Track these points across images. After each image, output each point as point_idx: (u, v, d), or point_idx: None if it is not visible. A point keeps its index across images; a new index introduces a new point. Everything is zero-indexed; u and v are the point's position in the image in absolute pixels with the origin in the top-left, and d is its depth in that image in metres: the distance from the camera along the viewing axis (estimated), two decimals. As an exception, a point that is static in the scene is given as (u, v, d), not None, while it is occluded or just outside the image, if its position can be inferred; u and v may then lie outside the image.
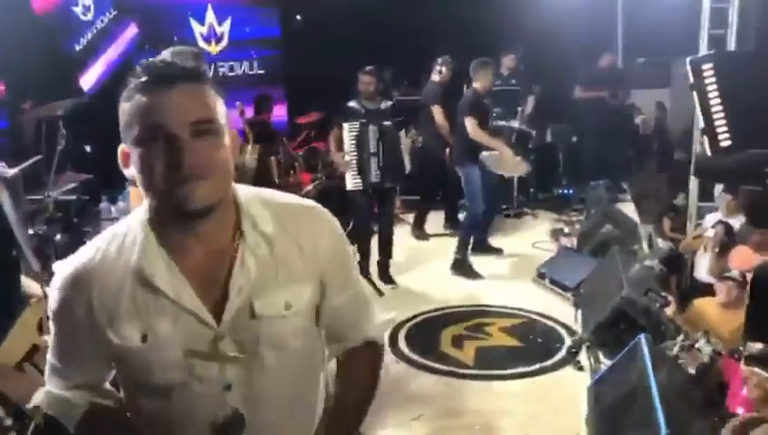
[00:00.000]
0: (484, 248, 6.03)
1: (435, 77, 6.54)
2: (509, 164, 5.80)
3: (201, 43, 7.41)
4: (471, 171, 5.61)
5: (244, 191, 1.31)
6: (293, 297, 1.28)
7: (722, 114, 3.23)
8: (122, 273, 1.23)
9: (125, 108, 1.18)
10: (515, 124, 7.33)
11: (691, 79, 3.24)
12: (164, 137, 1.14)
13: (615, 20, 9.56)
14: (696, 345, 3.27)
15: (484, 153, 5.65)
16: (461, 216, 6.48)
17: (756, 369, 2.71)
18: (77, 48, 6.04)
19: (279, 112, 7.95)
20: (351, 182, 5.20)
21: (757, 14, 8.44)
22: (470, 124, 5.52)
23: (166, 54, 1.25)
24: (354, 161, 5.17)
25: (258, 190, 1.34)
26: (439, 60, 6.56)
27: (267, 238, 1.27)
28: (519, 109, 7.76)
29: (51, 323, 1.33)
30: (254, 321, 1.25)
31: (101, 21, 6.24)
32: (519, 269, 5.70)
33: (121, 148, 1.22)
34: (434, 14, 8.46)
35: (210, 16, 7.76)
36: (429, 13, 8.43)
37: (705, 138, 3.32)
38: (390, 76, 8.15)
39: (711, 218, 6.58)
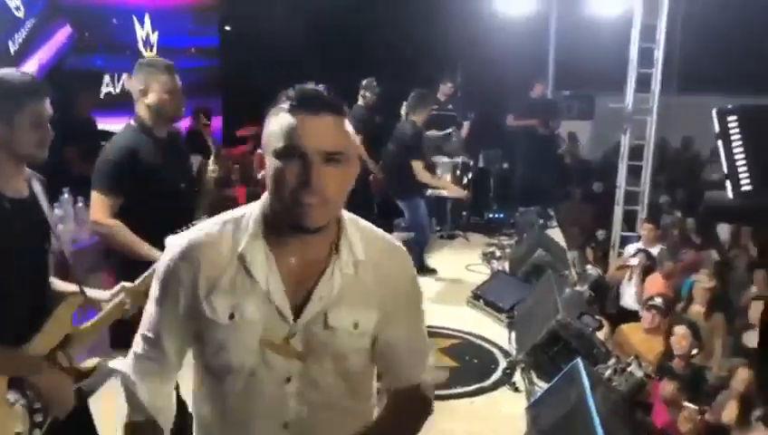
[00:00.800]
0: (420, 269, 6.11)
1: (360, 101, 6.59)
2: (447, 189, 5.97)
3: (141, 48, 7.23)
4: (417, 202, 5.74)
5: (347, 214, 1.47)
6: (363, 319, 1.44)
7: (743, 161, 3.48)
8: (229, 254, 1.40)
9: (272, 121, 1.35)
10: (458, 159, 7.49)
11: (717, 128, 3.49)
12: (300, 157, 1.30)
13: (547, 53, 9.96)
14: (629, 369, 3.41)
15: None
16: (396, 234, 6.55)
17: (689, 405, 2.87)
18: (11, 45, 5.77)
19: (215, 124, 7.84)
20: None
21: (680, 57, 9.00)
22: (417, 168, 5.66)
23: (311, 85, 1.40)
24: None
25: (356, 217, 1.50)
26: (363, 83, 6.61)
27: (356, 261, 1.43)
28: (450, 131, 7.91)
29: (154, 291, 1.47)
30: (325, 330, 1.41)
31: (34, 19, 5.99)
32: (454, 291, 5.80)
33: (258, 152, 1.41)
34: (375, 37, 8.57)
35: (147, 22, 7.59)
36: (370, 37, 8.53)
37: (728, 182, 3.56)
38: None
39: (632, 249, 6.92)
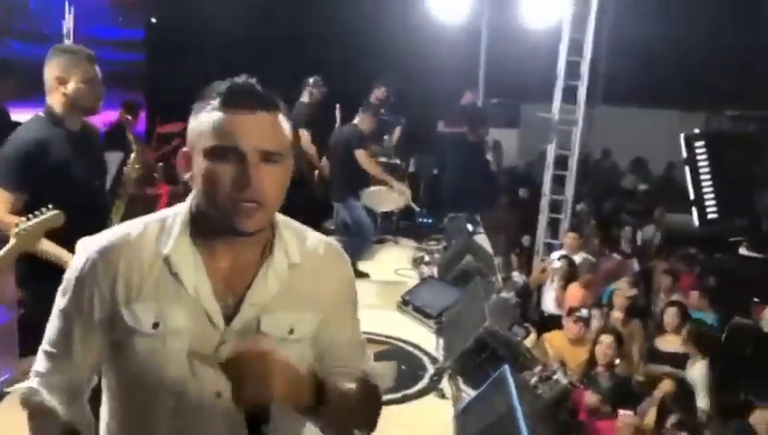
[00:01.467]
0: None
1: (304, 98, 6.54)
2: (392, 198, 5.97)
3: (65, 40, 6.89)
4: (354, 204, 5.70)
5: (279, 215, 1.38)
6: (298, 324, 1.36)
7: (710, 188, 3.51)
8: (152, 257, 1.30)
9: (201, 118, 1.25)
10: (396, 161, 7.50)
11: (684, 153, 3.50)
12: (235, 158, 1.22)
13: (478, 61, 10.13)
14: (554, 377, 3.47)
15: (366, 190, 5.77)
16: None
17: (626, 412, 2.94)
18: None
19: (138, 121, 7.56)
20: None
21: (605, 70, 9.31)
22: (361, 157, 5.63)
23: (243, 79, 1.28)
24: None
25: (287, 219, 1.42)
26: (311, 81, 6.59)
27: (291, 264, 1.36)
28: (385, 138, 7.95)
29: (61, 297, 1.34)
30: (258, 336, 1.31)
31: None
32: (383, 295, 5.77)
33: (184, 151, 1.30)
34: (310, 35, 8.49)
35: (68, 13, 7.24)
36: (304, 35, 8.45)
37: (694, 209, 3.58)
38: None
39: (555, 255, 7.11)
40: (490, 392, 3.40)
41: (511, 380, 3.28)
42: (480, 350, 4.14)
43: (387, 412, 3.92)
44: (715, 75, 11.03)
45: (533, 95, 10.04)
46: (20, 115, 5.47)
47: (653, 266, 7.52)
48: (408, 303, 5.39)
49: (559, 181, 7.99)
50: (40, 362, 1.38)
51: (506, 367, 3.42)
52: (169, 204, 5.76)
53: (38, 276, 2.49)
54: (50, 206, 2.57)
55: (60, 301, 1.35)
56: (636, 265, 7.60)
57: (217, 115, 1.23)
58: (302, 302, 1.37)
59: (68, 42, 6.91)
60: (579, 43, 7.31)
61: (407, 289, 5.61)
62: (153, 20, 8.84)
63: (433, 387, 4.17)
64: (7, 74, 5.35)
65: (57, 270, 2.51)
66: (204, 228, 1.30)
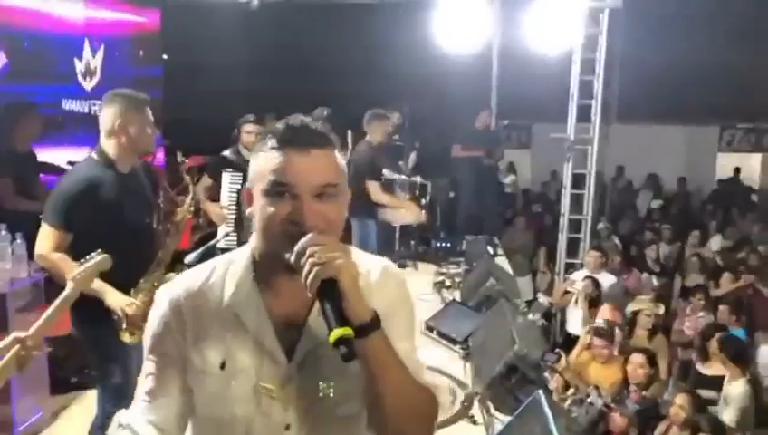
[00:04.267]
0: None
1: None
2: (402, 214, 5.95)
3: (79, 79, 7.00)
4: (367, 223, 5.68)
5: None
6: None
7: None
8: (218, 301, 1.36)
9: (259, 158, 1.32)
10: (417, 179, 7.47)
11: None
12: (290, 196, 1.28)
13: (490, 84, 10.18)
14: (589, 399, 3.43)
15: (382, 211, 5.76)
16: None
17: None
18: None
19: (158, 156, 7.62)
20: (224, 239, 4.86)
21: (618, 90, 9.34)
22: (373, 189, 5.61)
23: (299, 118, 1.33)
24: (232, 216, 5.00)
25: (344, 246, 1.39)
26: (316, 113, 6.59)
27: None
28: (401, 164, 7.97)
29: (147, 352, 1.41)
30: (320, 365, 1.36)
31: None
32: (406, 321, 5.74)
33: (247, 188, 1.37)
34: (321, 65, 8.58)
35: (87, 50, 7.36)
36: (318, 67, 8.54)
37: None
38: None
39: (578, 276, 7.07)
40: (525, 417, 3.37)
41: (545, 404, 3.24)
42: (510, 374, 4.11)
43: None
44: (728, 89, 11.04)
45: (545, 115, 10.07)
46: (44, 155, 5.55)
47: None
48: (432, 329, 5.36)
49: (575, 200, 7.99)
50: (141, 405, 1.41)
51: (540, 392, 3.39)
52: (191, 236, 5.77)
53: (83, 307, 2.55)
54: (99, 251, 2.63)
55: (146, 347, 1.42)
56: (654, 282, 7.56)
57: (273, 154, 1.29)
58: None
59: (88, 83, 7.05)
60: (591, 62, 7.33)
61: (430, 314, 5.58)
62: (165, 56, 8.96)
63: (464, 413, 4.13)
64: (30, 113, 5.43)
65: (101, 306, 2.57)
66: (265, 267, 1.36)
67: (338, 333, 1.20)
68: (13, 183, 4.96)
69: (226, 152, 5.07)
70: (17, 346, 2.25)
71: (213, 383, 1.35)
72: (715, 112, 12.10)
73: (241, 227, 4.93)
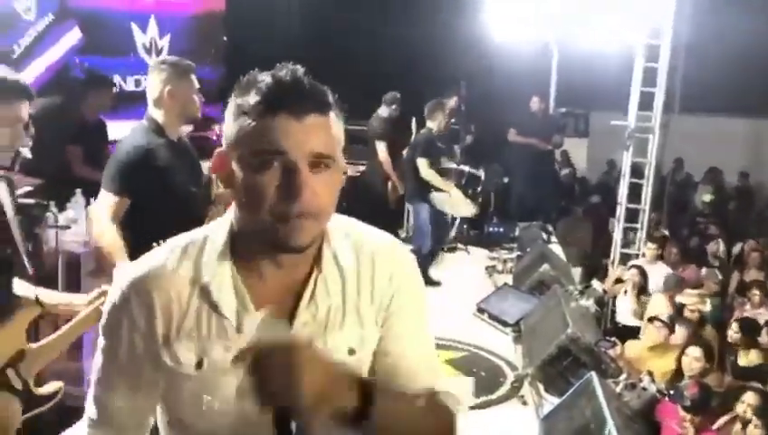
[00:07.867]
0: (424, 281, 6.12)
1: (383, 113, 6.67)
2: (455, 204, 6.00)
3: (142, 54, 7.22)
4: (420, 208, 5.76)
5: (337, 220, 1.20)
6: (358, 343, 1.21)
7: None
8: (190, 287, 1.13)
9: (240, 118, 1.07)
10: (466, 168, 7.50)
11: None
12: (282, 166, 1.05)
13: (550, 69, 10.06)
14: (642, 384, 3.42)
15: (434, 193, 5.83)
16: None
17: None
18: (15, 48, 5.75)
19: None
20: None
21: (682, 77, 9.10)
22: (422, 165, 5.70)
23: (289, 70, 1.08)
24: None
25: (348, 221, 1.25)
26: (388, 97, 6.71)
27: (342, 273, 1.19)
28: (456, 147, 7.99)
29: (101, 339, 1.20)
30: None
31: (44, 21, 5.98)
32: (457, 303, 5.78)
33: (219, 152, 1.12)
34: (381, 49, 8.63)
35: (153, 27, 7.57)
36: (380, 54, 8.58)
37: None
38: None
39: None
40: (577, 398, 3.38)
41: (598, 386, 3.26)
42: (562, 357, 4.11)
43: (471, 417, 3.95)
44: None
45: (603, 103, 9.89)
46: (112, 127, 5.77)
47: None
48: (483, 311, 5.39)
49: (633, 190, 7.85)
50: (89, 407, 1.25)
51: (593, 374, 3.40)
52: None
53: None
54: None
55: (100, 337, 1.21)
56: (718, 276, 7.41)
57: (259, 117, 1.05)
58: (362, 316, 1.21)
59: (153, 57, 7.25)
60: (655, 48, 7.17)
61: (481, 297, 5.61)
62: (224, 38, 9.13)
63: (514, 393, 4.16)
64: (102, 86, 5.64)
65: None
66: (247, 247, 1.13)
67: None
68: (83, 152, 5.16)
69: None
70: (102, 299, 2.28)
71: (188, 386, 1.14)
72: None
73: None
